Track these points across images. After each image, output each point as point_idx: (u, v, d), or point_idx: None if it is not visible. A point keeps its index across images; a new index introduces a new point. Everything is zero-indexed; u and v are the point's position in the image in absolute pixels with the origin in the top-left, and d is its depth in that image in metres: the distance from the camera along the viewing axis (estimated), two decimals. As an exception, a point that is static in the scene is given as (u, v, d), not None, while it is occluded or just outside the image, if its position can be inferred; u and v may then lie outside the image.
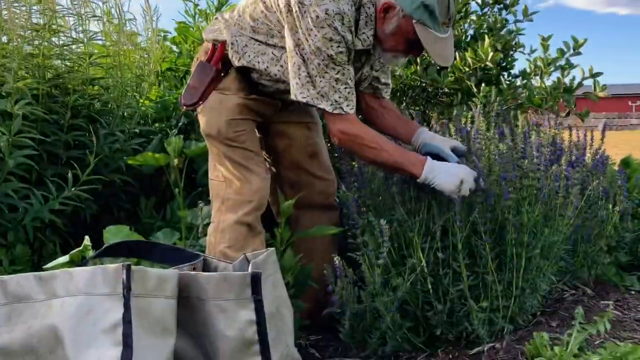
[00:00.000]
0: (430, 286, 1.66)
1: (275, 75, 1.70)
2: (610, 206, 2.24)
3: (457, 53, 3.01)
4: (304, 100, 1.60)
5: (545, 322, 1.84)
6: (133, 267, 1.09)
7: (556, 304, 2.01)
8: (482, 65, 2.84)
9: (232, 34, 1.72)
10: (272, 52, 1.69)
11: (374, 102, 1.91)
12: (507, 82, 2.86)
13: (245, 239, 1.70)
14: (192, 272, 1.24)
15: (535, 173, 1.66)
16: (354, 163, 1.89)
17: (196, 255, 1.45)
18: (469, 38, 3.25)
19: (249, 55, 1.70)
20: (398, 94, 3.17)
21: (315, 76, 1.57)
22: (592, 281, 2.25)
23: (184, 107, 1.73)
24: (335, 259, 1.59)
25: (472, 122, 2.15)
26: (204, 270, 1.42)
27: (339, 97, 1.60)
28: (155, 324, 1.12)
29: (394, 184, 1.71)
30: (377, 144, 1.62)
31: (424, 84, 3.12)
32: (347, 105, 1.61)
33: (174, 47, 3.18)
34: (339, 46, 1.55)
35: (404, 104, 3.22)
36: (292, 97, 1.62)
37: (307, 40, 1.55)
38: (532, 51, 3.08)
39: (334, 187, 2.01)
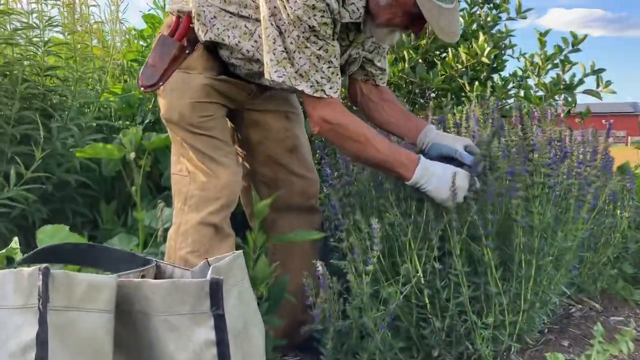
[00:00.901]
0: (427, 299, 1.43)
1: (248, 52, 1.47)
2: (618, 212, 2.04)
3: (449, 50, 2.82)
4: (280, 80, 1.36)
5: (555, 341, 1.62)
6: (54, 271, 0.84)
7: (564, 320, 1.80)
8: (476, 62, 2.65)
9: (199, 4, 1.47)
10: (245, 25, 1.46)
11: (372, 92, 1.66)
12: (502, 81, 2.66)
13: (211, 243, 1.45)
14: (136, 280, 0.98)
15: (546, 168, 1.44)
16: (337, 156, 1.66)
17: (149, 261, 1.20)
18: (457, 38, 3.07)
19: (218, 28, 1.47)
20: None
21: (294, 51, 1.34)
22: (598, 295, 2.05)
23: (142, 89, 1.48)
24: (318, 264, 1.34)
25: (467, 119, 1.96)
26: (156, 278, 1.17)
27: (321, 78, 1.37)
28: (84, 345, 0.86)
29: (386, 180, 1.47)
30: (363, 136, 1.39)
31: (410, 85, 2.92)
32: (331, 88, 1.38)
33: (142, 42, 2.94)
34: (322, 16, 1.32)
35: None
36: (266, 76, 1.38)
37: (285, 8, 1.32)
38: (522, 54, 2.92)
39: (315, 187, 1.76)
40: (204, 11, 1.47)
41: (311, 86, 1.36)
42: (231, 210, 1.51)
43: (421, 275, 1.43)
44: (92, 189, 2.29)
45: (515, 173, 1.42)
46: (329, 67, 1.37)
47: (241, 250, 1.09)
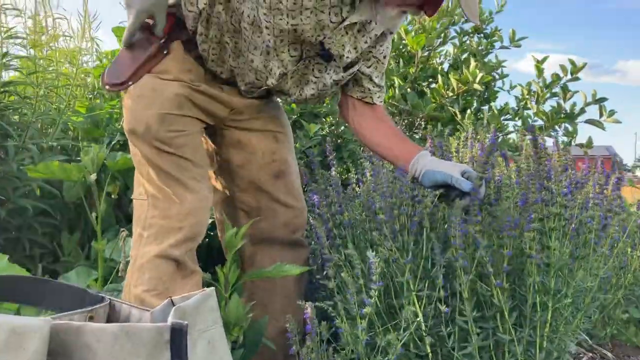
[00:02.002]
0: (428, 348, 1.23)
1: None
2: (629, 250, 1.89)
3: (439, 77, 2.71)
4: None
5: (572, 396, 1.43)
6: (-41, 313, 0.63)
7: (577, 371, 1.61)
8: (467, 89, 2.53)
9: None
10: None
11: (366, 111, 1.47)
12: (498, 109, 2.54)
13: (172, 281, 1.23)
14: (76, 324, 0.77)
15: (563, 198, 1.27)
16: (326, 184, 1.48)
17: (100, 299, 0.99)
18: (446, 68, 2.98)
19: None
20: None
21: None
22: (609, 341, 1.88)
23: (107, 87, 1.28)
24: (307, 306, 1.14)
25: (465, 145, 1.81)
26: (109, 321, 0.96)
27: None
28: (-2, 412, 0.65)
29: (381, 210, 1.29)
30: None
31: (398, 116, 2.78)
32: None
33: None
34: None
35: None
36: None
37: None
38: (512, 87, 2.82)
39: (302, 218, 1.55)
40: None
41: None
42: (197, 242, 1.29)
43: (422, 320, 1.24)
44: (53, 217, 2.08)
45: (529, 202, 1.25)
46: None
47: (212, 288, 0.89)
